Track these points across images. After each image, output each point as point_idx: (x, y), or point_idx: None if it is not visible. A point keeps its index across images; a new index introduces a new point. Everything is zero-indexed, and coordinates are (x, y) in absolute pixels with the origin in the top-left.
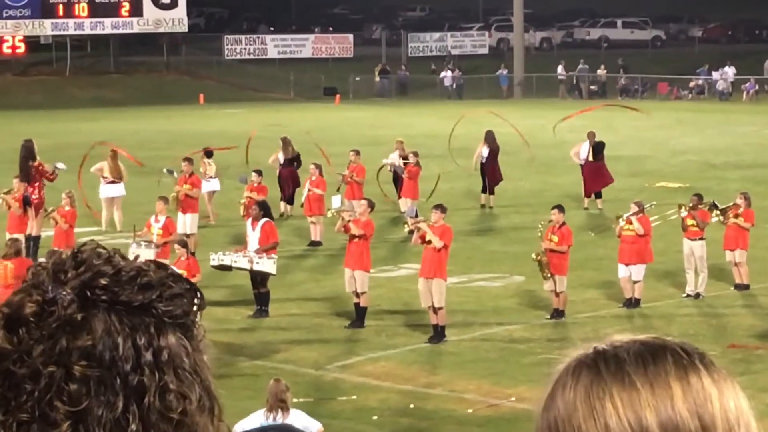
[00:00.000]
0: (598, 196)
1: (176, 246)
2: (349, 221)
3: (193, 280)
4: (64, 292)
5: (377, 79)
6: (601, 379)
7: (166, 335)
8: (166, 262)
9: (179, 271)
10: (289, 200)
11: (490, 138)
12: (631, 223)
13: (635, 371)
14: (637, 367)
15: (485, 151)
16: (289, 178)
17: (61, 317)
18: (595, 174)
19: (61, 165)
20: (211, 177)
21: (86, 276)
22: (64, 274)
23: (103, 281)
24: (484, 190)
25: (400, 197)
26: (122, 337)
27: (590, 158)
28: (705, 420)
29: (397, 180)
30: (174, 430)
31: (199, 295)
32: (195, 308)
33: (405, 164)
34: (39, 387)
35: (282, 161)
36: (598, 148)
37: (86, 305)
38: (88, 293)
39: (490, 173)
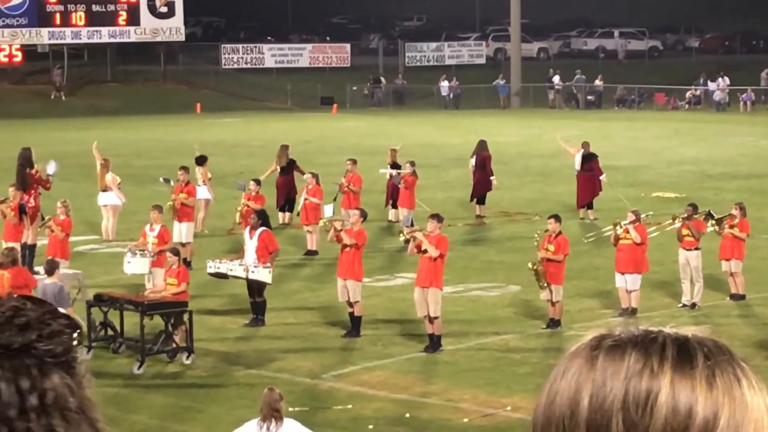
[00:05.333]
0: (590, 207)
1: (168, 254)
2: (341, 231)
3: (181, 288)
4: None
5: (366, 91)
6: (567, 371)
7: (49, 376)
8: (161, 270)
9: (61, 310)
10: (290, 208)
11: (480, 147)
12: (628, 232)
13: (597, 366)
14: (602, 361)
15: (474, 161)
16: (284, 186)
17: None
18: (584, 185)
19: (51, 168)
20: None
21: None
22: None
23: None
24: (472, 199)
25: (387, 206)
26: (4, 382)
27: (579, 168)
28: (633, 425)
29: (390, 189)
30: None
31: (78, 330)
32: (74, 343)
33: (400, 174)
34: None
35: (279, 170)
36: (586, 158)
37: None
38: None
39: (477, 182)
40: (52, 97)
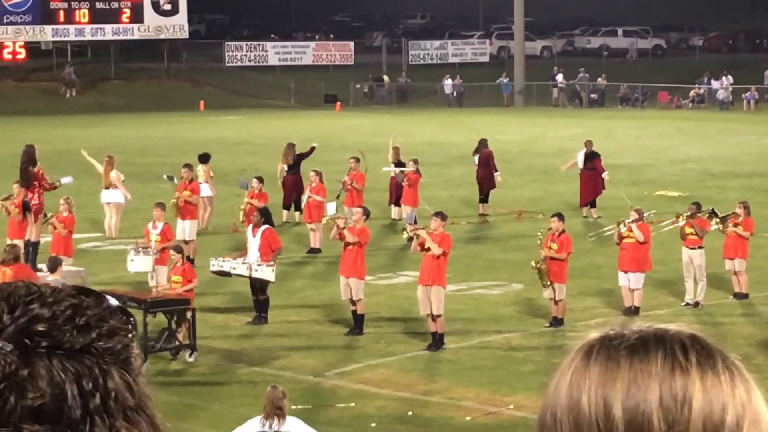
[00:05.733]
0: (593, 205)
1: (171, 252)
2: (343, 228)
3: (189, 286)
4: (1, 344)
5: (365, 90)
6: (587, 370)
7: (111, 376)
8: (164, 268)
9: (114, 302)
10: (296, 206)
11: (481, 145)
12: (631, 231)
13: (622, 365)
14: (626, 360)
15: (476, 159)
16: (292, 184)
17: (5, 375)
18: (587, 184)
19: (65, 180)
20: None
21: (22, 322)
22: None
23: (41, 327)
24: (480, 197)
25: (390, 204)
26: (68, 385)
27: (582, 167)
28: (675, 422)
29: (393, 187)
30: None
31: (132, 323)
32: (130, 337)
33: (404, 172)
34: None
35: (286, 168)
36: (588, 157)
37: (28, 356)
38: (27, 341)
39: (482, 180)
40: (65, 93)
